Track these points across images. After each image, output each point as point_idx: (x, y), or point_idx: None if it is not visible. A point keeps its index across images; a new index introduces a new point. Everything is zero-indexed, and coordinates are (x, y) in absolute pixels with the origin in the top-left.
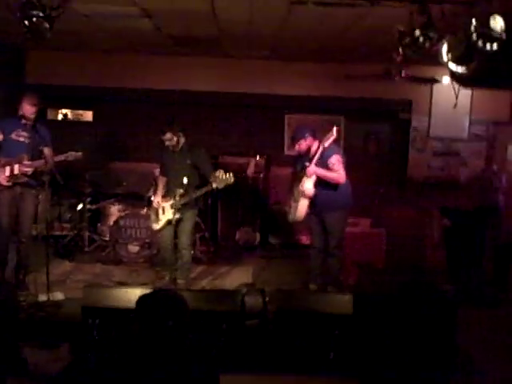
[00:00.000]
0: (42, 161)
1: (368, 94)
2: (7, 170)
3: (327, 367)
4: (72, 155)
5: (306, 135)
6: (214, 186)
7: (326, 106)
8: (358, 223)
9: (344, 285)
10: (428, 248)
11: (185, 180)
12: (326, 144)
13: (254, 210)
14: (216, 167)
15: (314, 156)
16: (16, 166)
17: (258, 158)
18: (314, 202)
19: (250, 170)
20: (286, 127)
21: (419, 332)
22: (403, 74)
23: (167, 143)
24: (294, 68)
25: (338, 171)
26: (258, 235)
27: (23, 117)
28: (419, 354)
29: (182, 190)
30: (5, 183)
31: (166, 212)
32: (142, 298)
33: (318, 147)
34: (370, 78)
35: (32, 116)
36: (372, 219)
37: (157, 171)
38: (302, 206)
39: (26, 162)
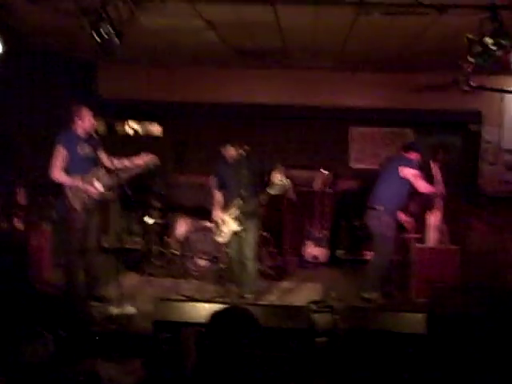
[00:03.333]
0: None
1: (436, 105)
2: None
3: None
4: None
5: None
6: (271, 191)
7: (391, 118)
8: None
9: (416, 303)
10: (507, 267)
11: (243, 191)
12: None
13: (322, 225)
14: None
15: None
16: (96, 184)
17: (324, 171)
18: None
19: (317, 184)
20: (350, 140)
21: (497, 359)
22: (473, 84)
23: (227, 156)
24: (358, 79)
25: None
26: (325, 250)
27: (85, 130)
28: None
29: (240, 201)
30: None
31: (227, 224)
32: (215, 315)
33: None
34: (438, 89)
35: (93, 129)
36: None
37: (212, 184)
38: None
39: (105, 176)
